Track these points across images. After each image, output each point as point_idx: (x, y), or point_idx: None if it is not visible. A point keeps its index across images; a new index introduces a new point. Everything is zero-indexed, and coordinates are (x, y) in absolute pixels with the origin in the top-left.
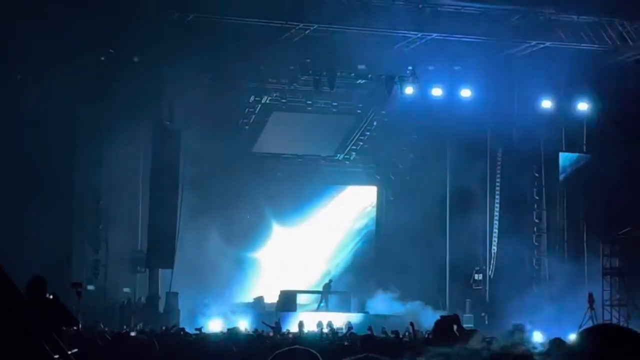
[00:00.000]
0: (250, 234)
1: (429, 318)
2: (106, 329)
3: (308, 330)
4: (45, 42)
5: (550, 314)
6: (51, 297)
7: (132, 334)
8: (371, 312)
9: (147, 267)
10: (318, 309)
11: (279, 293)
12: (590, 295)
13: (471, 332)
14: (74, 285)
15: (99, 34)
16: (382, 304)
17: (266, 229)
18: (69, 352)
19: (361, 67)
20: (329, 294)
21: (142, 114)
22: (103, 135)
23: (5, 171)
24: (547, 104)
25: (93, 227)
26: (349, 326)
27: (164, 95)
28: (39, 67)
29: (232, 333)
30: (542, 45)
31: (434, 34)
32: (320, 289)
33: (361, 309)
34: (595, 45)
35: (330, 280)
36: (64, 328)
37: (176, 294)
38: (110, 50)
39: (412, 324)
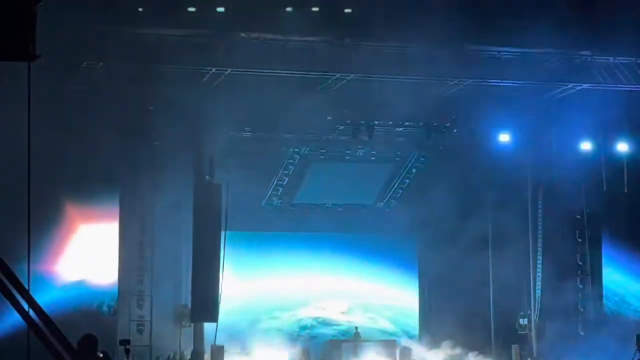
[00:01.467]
0: (293, 287)
1: None
2: None
3: None
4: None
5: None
6: (101, 355)
7: None
8: None
9: (191, 321)
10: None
11: (322, 344)
12: (638, 337)
13: None
14: (123, 343)
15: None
16: (428, 353)
17: (307, 278)
18: None
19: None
20: (365, 342)
21: (182, 168)
22: (145, 195)
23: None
24: (586, 145)
25: (136, 282)
26: None
27: (204, 149)
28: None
29: None
30: (579, 87)
31: (471, 80)
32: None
33: (406, 357)
34: (632, 86)
35: (357, 328)
36: None
37: (221, 347)
38: (150, 107)
39: None
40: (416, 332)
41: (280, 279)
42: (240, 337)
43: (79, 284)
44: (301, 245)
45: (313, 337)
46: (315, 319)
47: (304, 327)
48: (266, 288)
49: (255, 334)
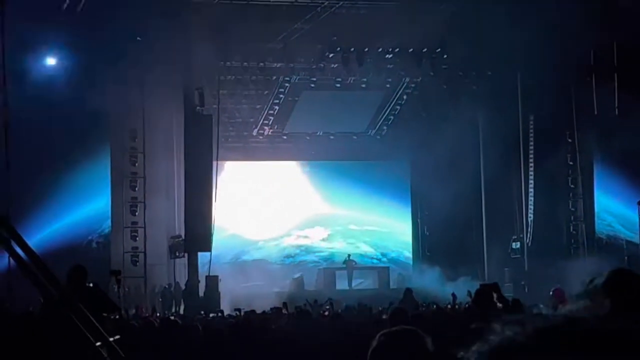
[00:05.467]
0: (289, 216)
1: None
2: (147, 315)
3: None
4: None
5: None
6: (91, 285)
7: (172, 318)
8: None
9: (185, 252)
10: (350, 286)
11: (317, 272)
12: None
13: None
14: (113, 273)
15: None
16: (422, 277)
17: (306, 209)
18: (111, 339)
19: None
20: (358, 269)
21: (172, 99)
22: (136, 128)
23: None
24: None
25: (130, 215)
26: (390, 301)
27: (193, 80)
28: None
29: (274, 313)
30: None
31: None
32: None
33: (401, 284)
34: None
35: (349, 255)
36: (105, 315)
37: (216, 277)
38: (138, 38)
39: (453, 294)
40: (395, 254)
41: (266, 209)
42: (227, 268)
43: (68, 220)
44: (291, 174)
45: (296, 265)
46: (299, 247)
47: (288, 256)
48: (252, 219)
49: (243, 265)
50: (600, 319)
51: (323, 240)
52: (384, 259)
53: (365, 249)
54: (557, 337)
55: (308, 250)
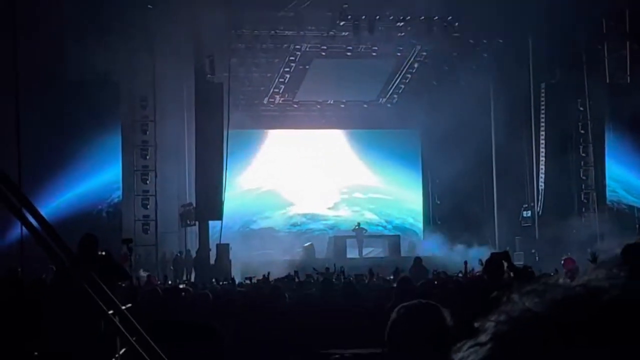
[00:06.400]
0: (296, 184)
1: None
2: (159, 283)
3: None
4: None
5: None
6: (103, 253)
7: (181, 286)
8: (422, 255)
9: (196, 220)
10: (361, 255)
11: (327, 240)
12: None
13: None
14: (125, 241)
15: None
16: (433, 246)
17: (314, 178)
18: (123, 308)
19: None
20: (369, 237)
21: (183, 67)
22: (147, 95)
23: (53, 129)
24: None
25: (141, 183)
26: (397, 267)
27: (204, 48)
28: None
29: (285, 281)
30: None
31: None
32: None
33: (411, 252)
34: None
35: (359, 224)
36: (117, 284)
37: (227, 245)
38: (149, 6)
39: (465, 262)
40: (399, 222)
41: (274, 178)
42: (237, 236)
43: (80, 190)
44: (300, 142)
45: (303, 233)
46: (304, 215)
47: (294, 224)
48: (260, 188)
49: (251, 233)
50: (620, 288)
51: (329, 208)
52: (389, 226)
53: (370, 216)
54: (579, 308)
55: (314, 218)
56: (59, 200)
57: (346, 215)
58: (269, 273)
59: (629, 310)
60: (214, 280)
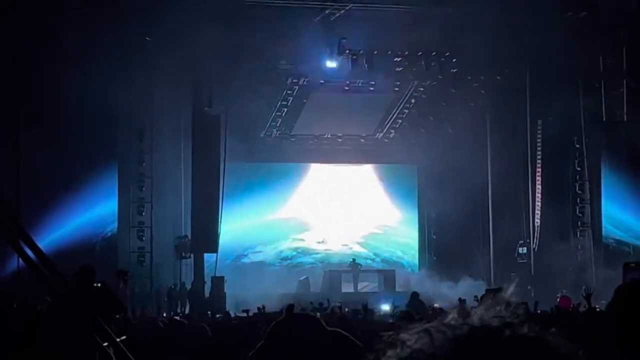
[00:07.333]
0: (293, 217)
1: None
2: (154, 316)
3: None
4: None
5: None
6: (99, 285)
7: (177, 318)
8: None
9: (191, 252)
10: (356, 289)
11: (323, 274)
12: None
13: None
14: (121, 273)
15: (140, 20)
16: (428, 281)
17: (311, 210)
18: (118, 340)
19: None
20: (364, 272)
21: (181, 99)
22: (144, 127)
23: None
24: None
25: (137, 215)
26: (395, 305)
27: (202, 79)
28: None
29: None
30: None
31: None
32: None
33: (407, 287)
34: None
35: (354, 259)
36: (113, 316)
37: (222, 278)
38: (147, 38)
39: (460, 299)
40: (388, 255)
41: (267, 211)
42: (230, 270)
43: (77, 222)
44: (295, 176)
45: (294, 266)
46: (295, 249)
47: (285, 258)
48: (253, 222)
49: (244, 267)
50: (511, 327)
51: (318, 242)
52: (378, 259)
53: (358, 249)
54: (468, 348)
55: (304, 252)
56: (56, 233)
57: (336, 249)
58: (264, 306)
59: (518, 349)
60: (208, 313)
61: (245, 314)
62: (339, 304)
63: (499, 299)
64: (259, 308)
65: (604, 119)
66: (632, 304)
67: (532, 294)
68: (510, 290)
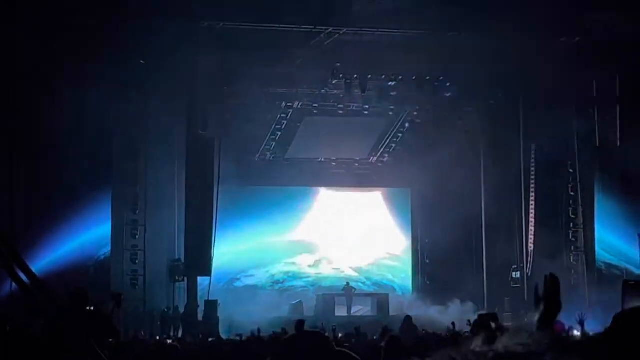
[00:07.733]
0: (286, 241)
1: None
2: (147, 339)
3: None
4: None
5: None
6: (91, 308)
7: (169, 341)
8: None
9: (185, 275)
10: (349, 313)
11: (316, 297)
12: (625, 283)
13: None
14: (114, 296)
15: (135, 42)
16: (421, 305)
17: (303, 234)
18: None
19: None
20: (357, 296)
21: (175, 122)
22: (139, 150)
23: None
24: None
25: (130, 237)
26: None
27: (197, 102)
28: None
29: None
30: None
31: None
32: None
33: (400, 311)
34: None
35: (348, 283)
36: (106, 339)
37: (215, 301)
38: (142, 62)
39: (453, 323)
40: (379, 278)
41: (260, 234)
42: (223, 293)
43: (71, 246)
44: (289, 200)
45: (286, 290)
46: (286, 273)
47: (276, 282)
48: (246, 246)
49: (236, 291)
50: (535, 355)
51: (309, 266)
52: (369, 282)
53: (349, 272)
54: None
55: (295, 275)
56: (51, 256)
57: (327, 272)
58: (259, 330)
59: None
60: (201, 336)
61: (238, 338)
62: (334, 327)
63: (525, 326)
64: (252, 332)
65: (598, 144)
66: (630, 331)
67: (526, 319)
68: (536, 318)
